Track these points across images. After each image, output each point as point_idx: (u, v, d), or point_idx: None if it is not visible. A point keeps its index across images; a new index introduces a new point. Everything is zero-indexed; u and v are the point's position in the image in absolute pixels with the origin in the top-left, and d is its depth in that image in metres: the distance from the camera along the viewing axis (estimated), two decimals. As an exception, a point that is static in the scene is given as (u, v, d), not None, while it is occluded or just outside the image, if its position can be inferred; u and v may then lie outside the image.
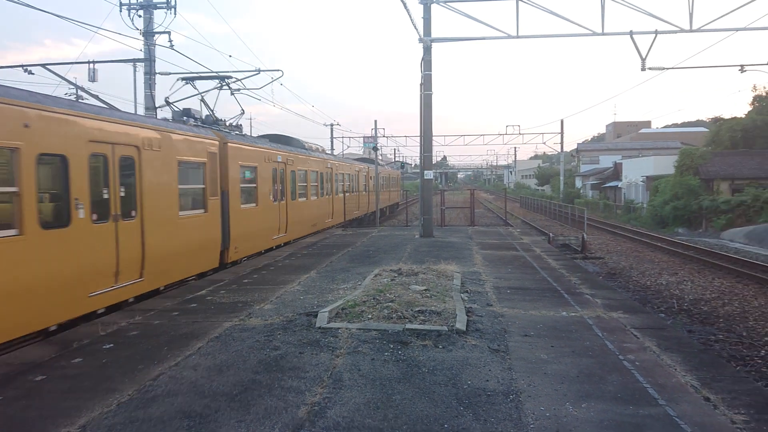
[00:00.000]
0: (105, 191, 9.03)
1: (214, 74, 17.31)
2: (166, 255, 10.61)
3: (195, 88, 16.17)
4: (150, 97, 21.83)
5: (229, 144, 13.62)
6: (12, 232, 7.12)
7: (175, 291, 10.65)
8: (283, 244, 17.42)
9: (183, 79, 16.30)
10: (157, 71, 22.22)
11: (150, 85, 21.85)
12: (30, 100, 7.58)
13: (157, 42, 21.78)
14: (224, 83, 16.75)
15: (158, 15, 21.18)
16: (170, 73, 23.68)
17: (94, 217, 8.67)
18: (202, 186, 12.33)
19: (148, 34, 21.41)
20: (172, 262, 10.90)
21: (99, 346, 7.08)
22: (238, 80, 17.30)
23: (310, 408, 5.10)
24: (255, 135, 20.55)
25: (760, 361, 9.84)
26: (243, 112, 18.58)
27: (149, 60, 21.68)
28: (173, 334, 7.59)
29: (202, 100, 16.01)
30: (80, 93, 15.59)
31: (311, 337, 7.22)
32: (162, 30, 21.44)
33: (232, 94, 24.18)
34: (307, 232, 20.46)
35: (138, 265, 9.75)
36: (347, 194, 26.58)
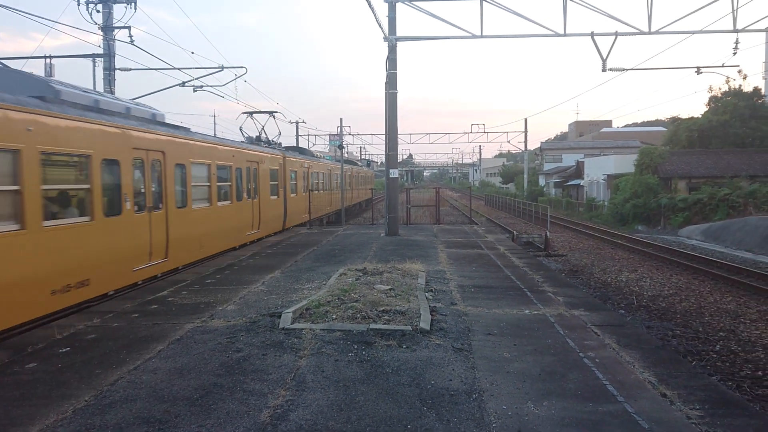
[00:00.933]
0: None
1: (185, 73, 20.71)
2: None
3: (258, 122, 23.51)
4: (110, 94, 21.34)
5: (286, 157, 22.07)
6: (228, 202, 13.23)
7: (135, 292, 10.44)
8: (308, 221, 25.25)
9: (246, 113, 23.74)
10: (117, 67, 21.74)
11: (110, 81, 21.35)
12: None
13: (116, 37, 21.30)
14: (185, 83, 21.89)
15: (118, 9, 20.70)
16: (131, 69, 23.25)
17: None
18: (276, 182, 20.54)
19: (108, 28, 20.91)
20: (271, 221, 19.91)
21: (55, 350, 6.88)
22: (200, 77, 22.32)
23: (273, 411, 5.05)
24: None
25: (714, 356, 10.12)
26: (280, 134, 26.31)
27: (109, 55, 21.18)
28: (133, 336, 7.43)
29: (263, 129, 23.33)
30: None
31: (275, 339, 7.15)
32: (122, 25, 20.97)
33: (195, 91, 23.84)
34: (324, 213, 29.47)
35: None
36: (345, 190, 32.94)
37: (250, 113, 23.57)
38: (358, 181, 44.70)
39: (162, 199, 11.83)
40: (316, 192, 27.96)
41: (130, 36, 20.85)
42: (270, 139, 23.37)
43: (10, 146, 7.60)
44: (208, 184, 14.41)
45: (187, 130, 14.44)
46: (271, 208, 20.06)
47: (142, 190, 11.14)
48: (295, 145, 40.81)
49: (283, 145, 25.58)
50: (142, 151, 11.13)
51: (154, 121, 12.39)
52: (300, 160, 25.18)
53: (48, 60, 23.61)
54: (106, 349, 6.92)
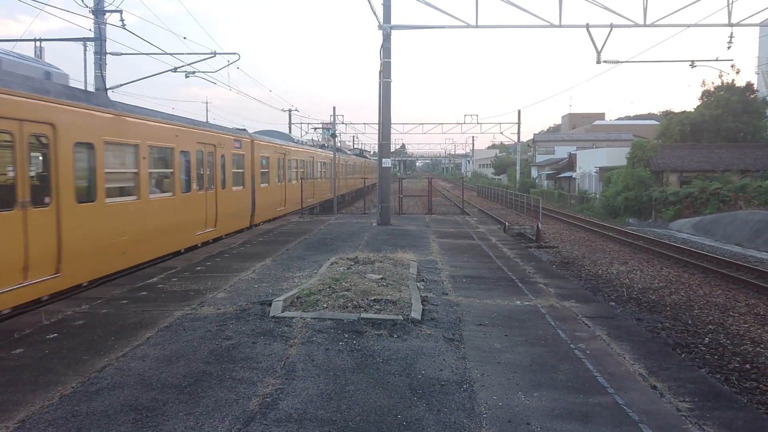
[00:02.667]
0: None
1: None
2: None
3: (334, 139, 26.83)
4: (100, 78, 21.10)
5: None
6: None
7: (124, 279, 10.35)
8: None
9: (315, 128, 28.10)
10: (108, 51, 21.48)
11: (101, 65, 21.10)
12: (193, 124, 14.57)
13: (108, 21, 21.03)
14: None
15: (109, -7, 20.41)
16: (122, 54, 23.01)
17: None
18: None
19: (99, 12, 20.63)
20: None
21: (42, 336, 6.81)
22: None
23: (262, 399, 5.01)
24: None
25: (703, 348, 10.17)
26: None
27: (100, 39, 20.91)
28: (121, 323, 7.36)
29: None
30: None
31: (265, 327, 7.11)
32: (113, 9, 20.71)
33: (186, 77, 23.65)
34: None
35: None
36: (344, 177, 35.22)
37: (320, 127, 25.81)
38: (347, 170, 43.48)
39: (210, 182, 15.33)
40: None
41: (122, 20, 20.55)
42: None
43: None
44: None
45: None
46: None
47: (205, 174, 14.83)
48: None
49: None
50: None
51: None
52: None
53: (38, 43, 23.32)
54: (94, 335, 6.85)
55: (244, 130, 20.95)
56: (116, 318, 7.62)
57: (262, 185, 19.88)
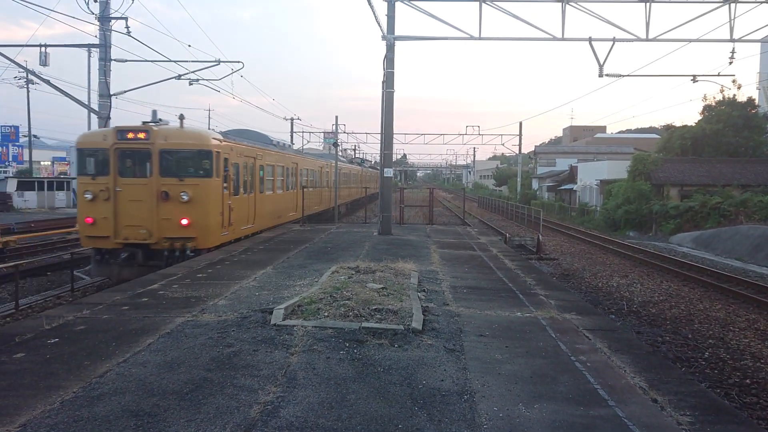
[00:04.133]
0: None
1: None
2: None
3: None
4: (105, 84, 21.21)
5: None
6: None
7: (125, 285, 10.37)
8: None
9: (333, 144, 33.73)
10: (112, 58, 21.61)
11: (105, 72, 21.22)
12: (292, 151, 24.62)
13: (113, 28, 21.17)
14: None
15: (115, 0, 20.59)
16: (126, 60, 23.12)
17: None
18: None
19: (104, 19, 20.78)
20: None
21: (43, 341, 6.82)
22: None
23: (263, 407, 5.02)
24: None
25: (703, 363, 10.16)
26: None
27: (104, 46, 21.05)
28: (122, 329, 7.37)
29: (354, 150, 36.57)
30: (30, 77, 15.42)
31: (266, 335, 7.12)
32: (119, 15, 20.85)
33: (190, 84, 23.80)
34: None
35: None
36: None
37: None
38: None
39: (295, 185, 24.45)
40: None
41: (127, 27, 20.72)
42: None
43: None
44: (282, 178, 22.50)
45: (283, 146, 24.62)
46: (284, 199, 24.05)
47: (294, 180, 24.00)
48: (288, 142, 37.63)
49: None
50: (293, 164, 23.99)
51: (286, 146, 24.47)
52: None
53: (43, 49, 23.45)
54: (96, 340, 6.86)
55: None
56: (117, 324, 7.63)
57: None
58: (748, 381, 9.27)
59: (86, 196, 14.14)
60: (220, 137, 15.79)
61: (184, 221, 14.02)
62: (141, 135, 14.17)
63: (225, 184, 15.52)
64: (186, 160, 14.45)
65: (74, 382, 5.53)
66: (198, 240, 14.26)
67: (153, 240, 14.02)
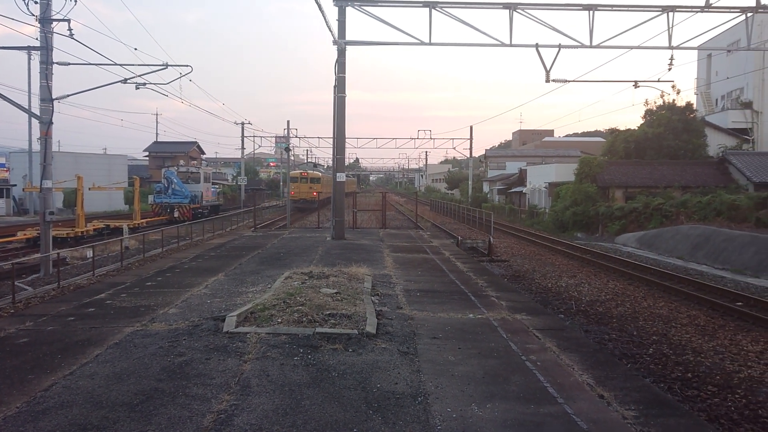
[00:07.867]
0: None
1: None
2: None
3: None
4: (46, 88, 20.49)
5: None
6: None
7: (71, 295, 10.06)
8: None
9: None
10: (54, 61, 20.90)
11: (47, 75, 20.47)
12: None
13: (55, 30, 20.49)
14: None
15: (57, 1, 19.92)
16: (69, 64, 22.43)
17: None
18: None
19: (45, 20, 20.08)
20: None
21: (-17, 355, 6.56)
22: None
23: (216, 416, 4.96)
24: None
25: (648, 359, 10.51)
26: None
27: (46, 48, 20.33)
28: (68, 341, 7.16)
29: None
30: None
31: (218, 343, 7.03)
32: (61, 17, 20.19)
33: (137, 88, 23.25)
34: None
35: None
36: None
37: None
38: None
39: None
40: None
41: (70, 29, 20.07)
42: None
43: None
44: None
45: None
46: None
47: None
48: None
49: None
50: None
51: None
52: None
53: (-21, 51, 22.44)
54: (40, 353, 6.64)
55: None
56: (63, 335, 7.41)
57: None
58: (689, 375, 9.63)
59: None
60: None
61: None
62: None
63: None
64: None
65: (17, 397, 5.34)
66: None
67: None
